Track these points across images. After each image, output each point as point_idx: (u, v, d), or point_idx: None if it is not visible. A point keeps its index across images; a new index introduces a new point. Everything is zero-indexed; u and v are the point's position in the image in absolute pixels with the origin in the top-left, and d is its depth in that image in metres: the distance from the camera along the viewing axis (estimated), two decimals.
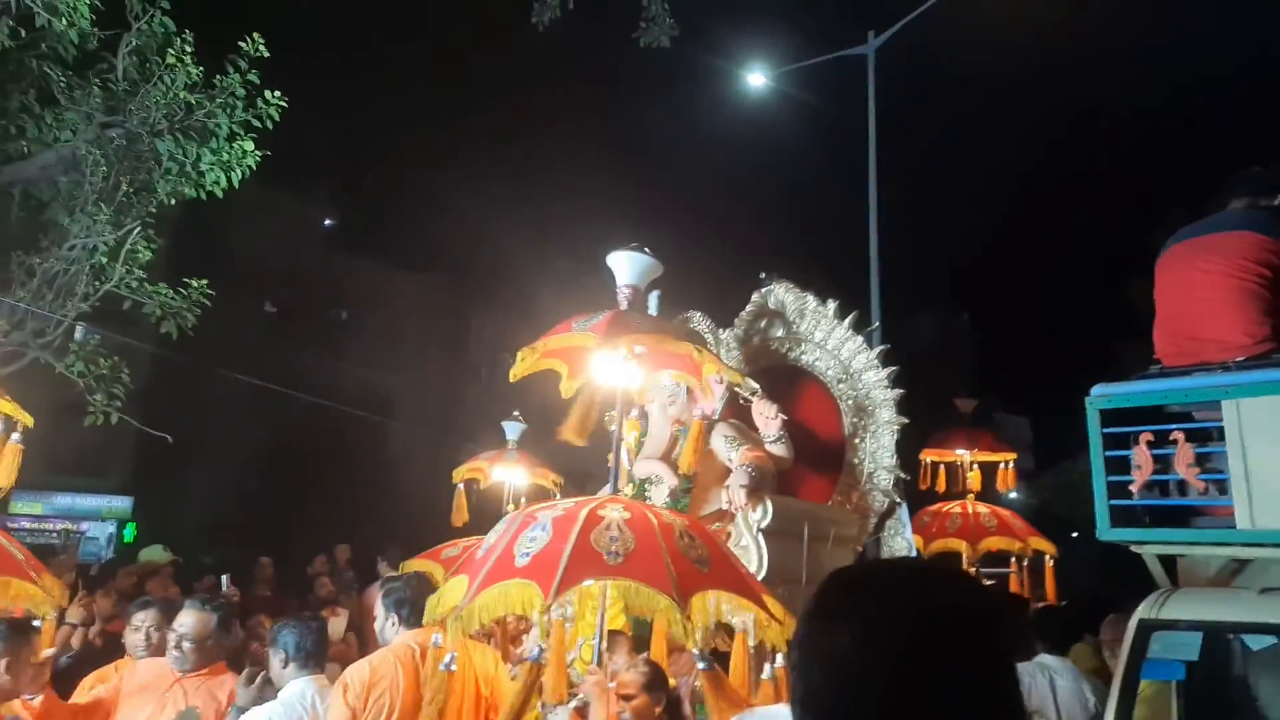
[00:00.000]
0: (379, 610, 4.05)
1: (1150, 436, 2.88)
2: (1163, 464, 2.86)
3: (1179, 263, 3.37)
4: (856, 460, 5.97)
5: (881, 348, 6.06)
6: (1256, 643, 2.61)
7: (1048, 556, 7.84)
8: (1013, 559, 8.10)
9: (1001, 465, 8.51)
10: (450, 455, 8.23)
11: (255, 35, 6.91)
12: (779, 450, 5.61)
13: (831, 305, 6.22)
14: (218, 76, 6.82)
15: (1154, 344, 3.36)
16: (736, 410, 5.96)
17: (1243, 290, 3.10)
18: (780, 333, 6.45)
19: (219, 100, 6.67)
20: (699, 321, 6.09)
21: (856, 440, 5.98)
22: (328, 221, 24.11)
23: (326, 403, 15.20)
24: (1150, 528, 2.93)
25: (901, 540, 5.78)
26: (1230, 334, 3.07)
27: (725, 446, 5.55)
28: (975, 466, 8.36)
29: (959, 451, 8.33)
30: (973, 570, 7.86)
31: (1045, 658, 4.79)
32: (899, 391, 5.84)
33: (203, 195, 6.74)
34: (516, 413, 6.85)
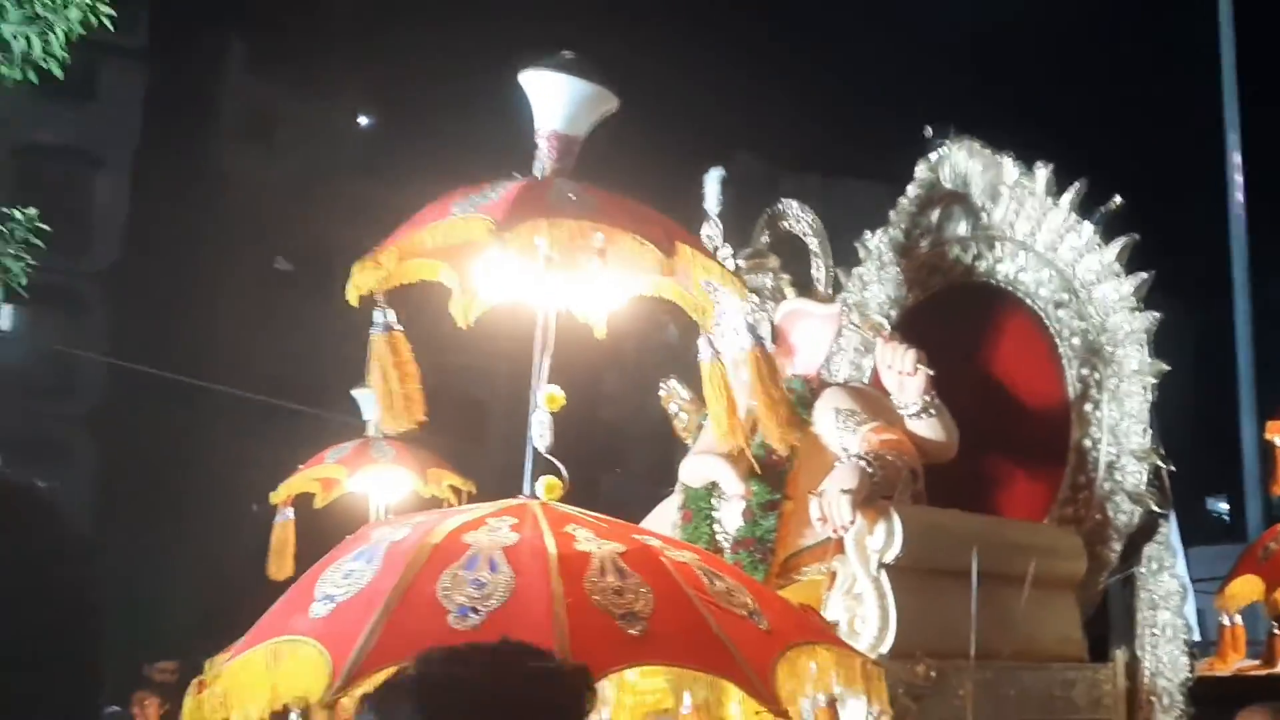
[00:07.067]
0: None
1: None
2: None
3: None
4: (1088, 441, 3.48)
5: (1128, 238, 3.40)
6: None
7: None
8: None
9: None
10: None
11: None
12: (925, 430, 3.31)
13: (1041, 174, 3.71)
14: None
15: None
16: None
17: None
18: (962, 229, 4.07)
19: None
20: (799, 217, 3.74)
21: (1087, 407, 3.52)
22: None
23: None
24: None
25: (1169, 579, 3.26)
26: None
27: (837, 427, 3.34)
28: None
29: None
30: None
31: None
32: (1155, 316, 3.25)
33: (31, 77, 5.05)
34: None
